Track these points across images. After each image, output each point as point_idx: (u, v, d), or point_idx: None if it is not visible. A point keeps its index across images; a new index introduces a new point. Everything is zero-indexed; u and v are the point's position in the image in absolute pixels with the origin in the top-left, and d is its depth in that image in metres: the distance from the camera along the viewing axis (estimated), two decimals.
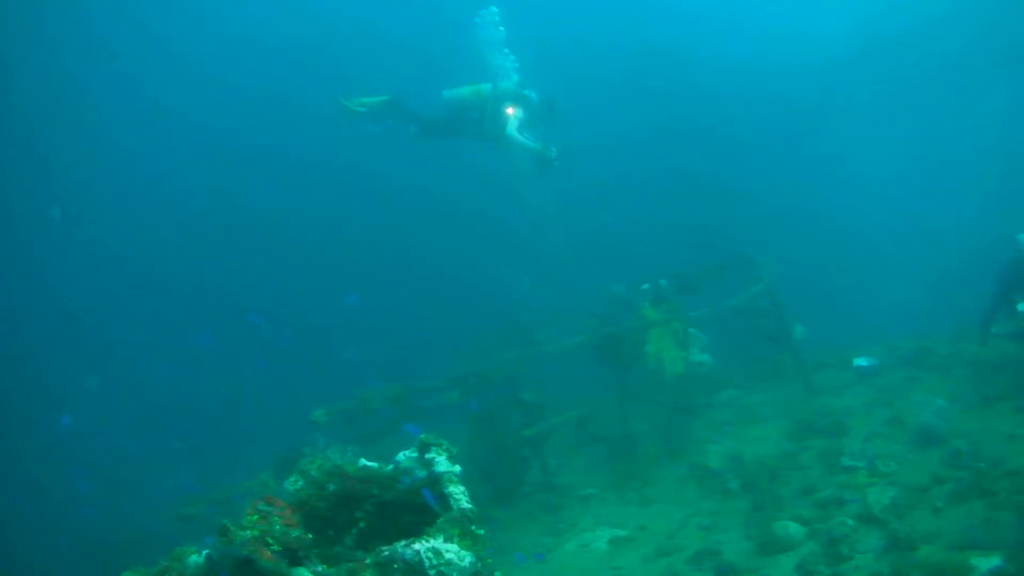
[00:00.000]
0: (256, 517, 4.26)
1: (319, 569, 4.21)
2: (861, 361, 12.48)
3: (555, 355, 11.29)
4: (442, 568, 4.30)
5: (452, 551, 4.39)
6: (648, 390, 11.88)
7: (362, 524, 5.35)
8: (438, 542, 4.42)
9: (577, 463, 12.08)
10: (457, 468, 5.18)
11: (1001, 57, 21.83)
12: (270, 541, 4.14)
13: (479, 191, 21.42)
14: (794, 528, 8.21)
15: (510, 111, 12.08)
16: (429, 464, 5.20)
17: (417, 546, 4.35)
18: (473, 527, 4.68)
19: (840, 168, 22.07)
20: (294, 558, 4.17)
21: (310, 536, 4.27)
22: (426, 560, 4.30)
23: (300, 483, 5.36)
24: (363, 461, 5.61)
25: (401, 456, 5.54)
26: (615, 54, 24.05)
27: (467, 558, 4.41)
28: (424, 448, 5.31)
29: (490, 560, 4.57)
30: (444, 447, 5.30)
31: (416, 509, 5.26)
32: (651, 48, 23.57)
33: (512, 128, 12.02)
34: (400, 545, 4.38)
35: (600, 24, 24.79)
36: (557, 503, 10.85)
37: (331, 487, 5.35)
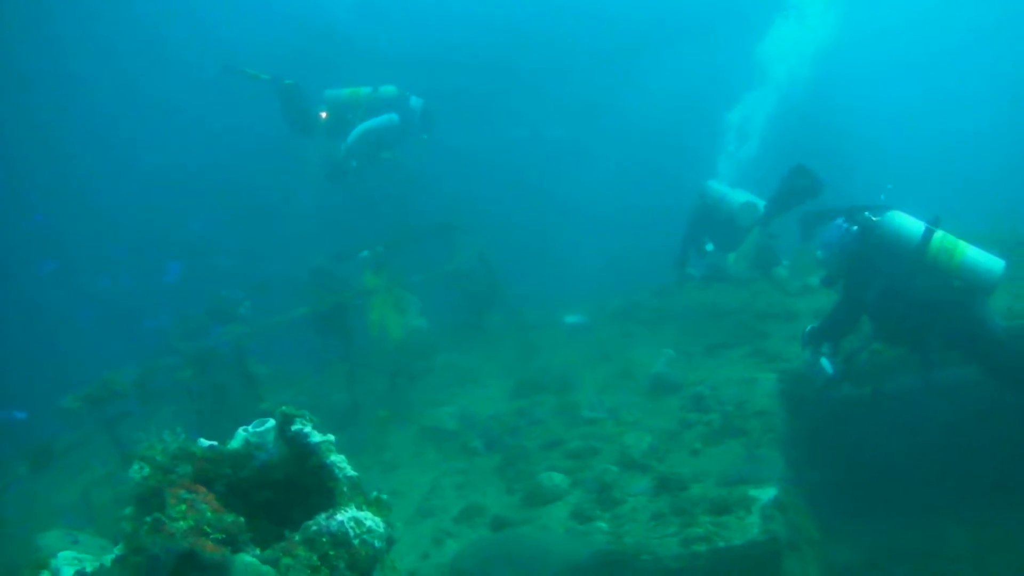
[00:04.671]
0: (184, 507, 3.88)
1: (256, 552, 3.93)
2: (572, 318, 13.01)
3: (277, 328, 11.02)
4: (364, 536, 4.13)
5: (369, 518, 4.25)
6: (368, 357, 11.85)
7: None
8: (354, 511, 4.28)
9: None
10: (331, 437, 4.96)
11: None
12: (208, 530, 3.79)
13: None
14: (559, 478, 8.37)
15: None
16: (298, 437, 4.94)
17: (340, 516, 4.14)
18: (374, 493, 4.56)
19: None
20: (234, 544, 3.86)
21: (243, 520, 3.96)
22: (350, 530, 4.13)
23: (146, 470, 4.86)
24: (203, 441, 5.24)
25: (243, 432, 5.22)
26: None
27: (381, 524, 4.30)
28: (287, 420, 5.03)
29: (399, 524, 4.50)
30: (307, 417, 5.06)
31: (272, 486, 4.98)
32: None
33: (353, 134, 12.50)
34: (322, 518, 4.17)
35: None
36: None
37: (180, 470, 4.92)
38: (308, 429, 4.91)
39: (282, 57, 18.53)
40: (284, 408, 5.05)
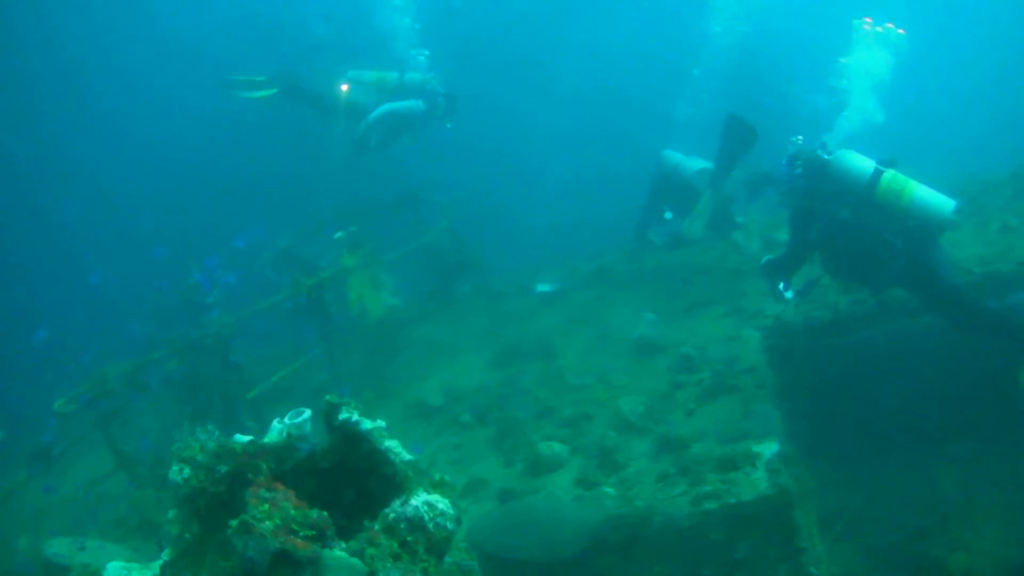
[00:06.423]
0: (267, 506, 3.89)
1: (343, 545, 3.98)
2: (544, 286, 13.03)
3: (255, 314, 10.93)
4: (438, 519, 4.22)
5: (440, 501, 4.33)
6: (346, 336, 11.83)
7: None
8: (425, 495, 4.34)
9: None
10: (382, 423, 5.00)
11: None
12: (295, 527, 3.82)
13: None
14: (558, 447, 8.41)
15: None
16: (347, 425, 4.96)
17: (413, 502, 4.22)
18: (438, 475, 4.62)
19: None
20: (323, 539, 3.89)
21: (326, 514, 3.99)
22: (424, 515, 4.20)
23: (187, 471, 4.85)
24: (239, 437, 5.23)
25: (279, 424, 5.24)
26: None
27: (450, 505, 4.38)
28: (333, 409, 5.05)
29: (462, 504, 4.57)
30: (353, 405, 5.09)
31: (318, 474, 5.02)
32: None
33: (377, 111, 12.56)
34: (397, 504, 4.24)
35: None
36: None
37: (223, 468, 4.89)
38: (356, 416, 4.94)
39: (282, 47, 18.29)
40: (328, 397, 5.08)
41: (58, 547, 7.53)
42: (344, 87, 13.17)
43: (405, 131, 13.58)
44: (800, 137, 9.00)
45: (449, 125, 13.61)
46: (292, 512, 3.90)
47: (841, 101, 9.59)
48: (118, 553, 7.37)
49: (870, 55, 9.84)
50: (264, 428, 10.06)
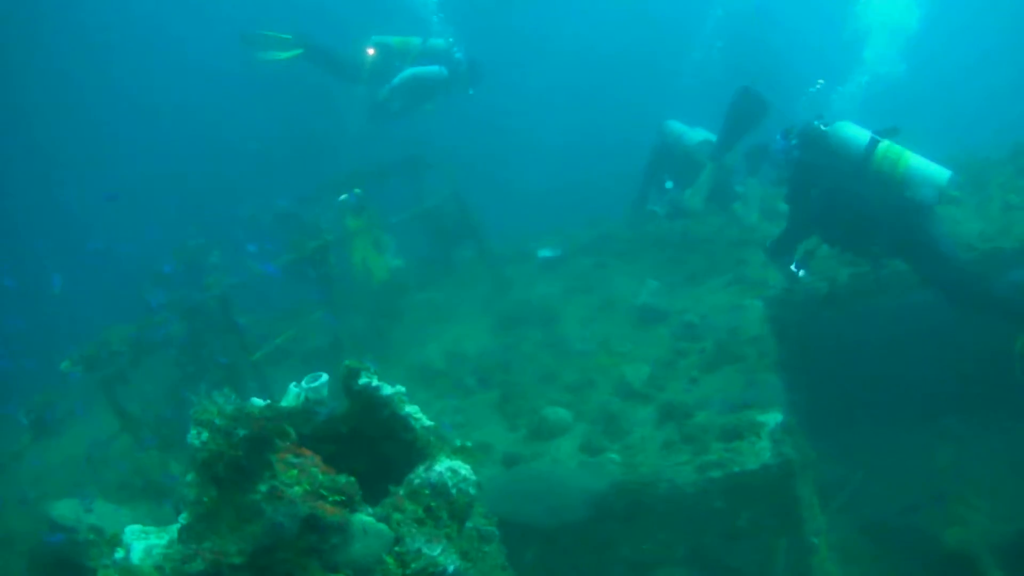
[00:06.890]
0: (295, 472, 3.94)
1: (369, 511, 4.03)
2: (545, 252, 12.98)
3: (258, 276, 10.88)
4: (460, 484, 4.28)
5: (463, 467, 4.38)
6: (348, 299, 11.81)
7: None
8: (448, 461, 4.39)
9: (283, 380, 11.66)
10: (401, 388, 5.05)
11: None
12: (324, 492, 3.86)
13: None
14: (563, 412, 8.46)
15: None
16: (367, 390, 5.00)
17: (437, 468, 4.28)
18: (459, 441, 4.68)
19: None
20: (351, 504, 3.94)
21: (354, 480, 4.03)
22: (448, 480, 4.26)
23: (205, 435, 4.87)
24: (256, 400, 5.25)
25: (296, 388, 5.27)
26: None
27: (471, 471, 4.44)
28: (352, 374, 5.09)
29: (481, 469, 4.62)
30: (372, 370, 5.12)
31: (336, 439, 5.06)
32: None
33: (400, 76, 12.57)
34: (421, 470, 4.30)
35: None
36: None
37: (240, 432, 4.90)
38: (376, 381, 4.98)
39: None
40: (348, 362, 5.11)
41: (62, 509, 7.48)
42: (370, 51, 13.13)
43: (428, 97, 13.57)
44: (822, 80, 8.99)
45: (472, 92, 13.58)
46: (321, 477, 3.94)
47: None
48: (127, 516, 7.39)
49: None
50: (267, 391, 10.14)
